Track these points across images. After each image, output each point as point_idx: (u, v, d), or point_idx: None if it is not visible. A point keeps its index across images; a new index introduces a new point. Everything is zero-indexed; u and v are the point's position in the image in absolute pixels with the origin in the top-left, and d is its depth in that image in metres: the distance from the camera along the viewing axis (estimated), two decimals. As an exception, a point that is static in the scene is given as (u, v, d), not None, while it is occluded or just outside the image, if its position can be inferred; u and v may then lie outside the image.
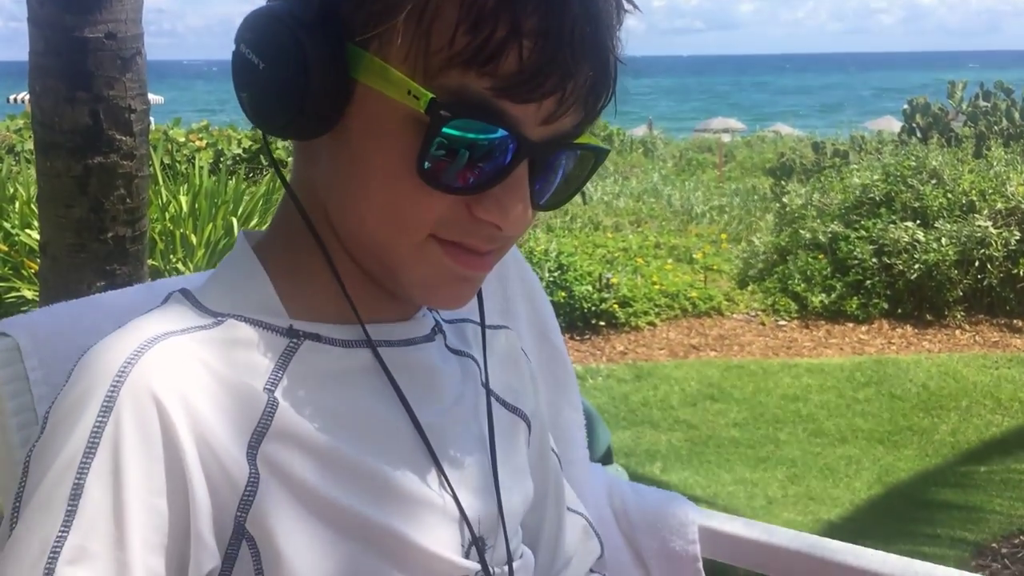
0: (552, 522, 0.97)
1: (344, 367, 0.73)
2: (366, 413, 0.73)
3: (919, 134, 10.12)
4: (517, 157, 0.66)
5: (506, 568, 0.80)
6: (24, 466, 0.64)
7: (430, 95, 0.63)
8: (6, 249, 5.71)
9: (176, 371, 0.65)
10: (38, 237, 5.59)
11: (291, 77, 0.65)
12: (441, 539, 0.73)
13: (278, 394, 0.69)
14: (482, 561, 0.74)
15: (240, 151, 11.32)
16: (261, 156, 11.06)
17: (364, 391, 0.73)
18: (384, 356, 0.74)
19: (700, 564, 1.13)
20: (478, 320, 0.88)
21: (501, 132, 0.65)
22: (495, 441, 0.82)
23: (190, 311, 0.72)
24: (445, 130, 0.64)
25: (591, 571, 1.01)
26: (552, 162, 0.70)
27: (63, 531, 0.60)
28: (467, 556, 0.76)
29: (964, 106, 10.39)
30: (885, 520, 3.78)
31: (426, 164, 0.65)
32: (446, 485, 0.74)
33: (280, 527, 0.66)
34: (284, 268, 0.74)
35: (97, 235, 2.56)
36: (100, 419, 0.62)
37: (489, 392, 0.85)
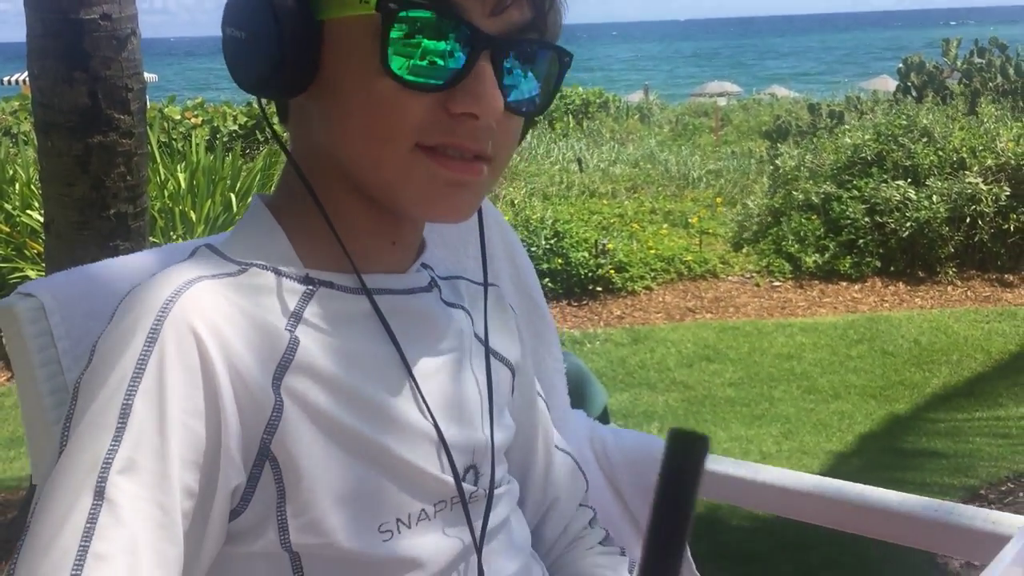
0: (540, 460, 1.05)
1: (354, 311, 0.81)
2: (370, 351, 0.81)
3: (914, 93, 10.13)
4: (475, 47, 0.73)
5: (495, 490, 0.89)
6: (73, 393, 0.72)
7: None
8: (8, 230, 5.77)
9: (212, 309, 0.73)
10: (39, 217, 5.67)
11: (268, 34, 0.74)
12: (426, 458, 0.82)
13: (298, 333, 0.77)
14: (455, 475, 0.82)
15: (236, 127, 11.35)
16: (257, 132, 11.08)
17: (369, 332, 0.81)
18: (388, 302, 0.83)
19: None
20: (470, 278, 0.98)
21: (451, 22, 0.72)
22: (491, 384, 0.91)
23: (218, 260, 0.80)
24: (399, 18, 0.72)
25: (580, 505, 1.10)
26: (517, 61, 0.77)
27: (114, 444, 0.68)
28: (464, 478, 0.85)
29: (959, 63, 10.39)
30: (876, 470, 3.88)
31: (393, 62, 0.72)
32: (427, 414, 0.82)
33: (300, 448, 0.74)
34: (296, 224, 0.82)
35: (99, 212, 2.62)
36: (146, 348, 0.70)
37: (488, 344, 0.93)
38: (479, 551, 0.84)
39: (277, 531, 0.75)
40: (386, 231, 0.84)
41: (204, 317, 0.72)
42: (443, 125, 0.75)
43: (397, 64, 0.73)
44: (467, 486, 0.85)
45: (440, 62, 0.73)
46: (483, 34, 0.73)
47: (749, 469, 1.21)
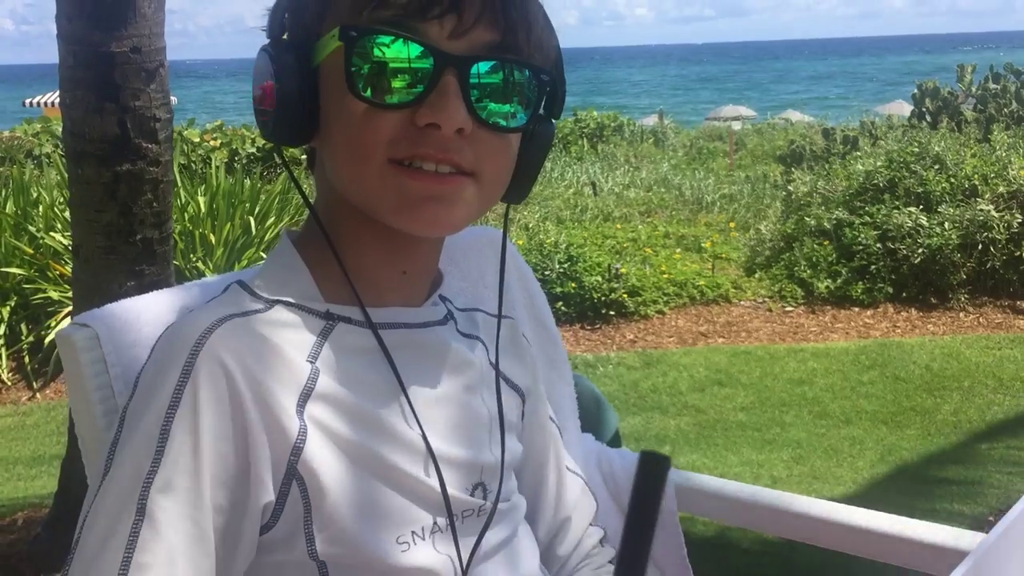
0: (552, 481, 1.12)
1: (368, 344, 0.88)
2: (380, 380, 0.88)
3: (929, 118, 10.19)
4: (436, 65, 0.80)
5: (501, 505, 0.95)
6: (119, 420, 0.80)
7: (339, 25, 0.80)
8: (31, 252, 5.87)
9: (239, 345, 0.81)
10: (63, 240, 5.76)
11: (272, 86, 0.83)
12: (433, 476, 0.88)
13: (319, 364, 0.85)
14: (443, 490, 0.88)
15: (254, 150, 11.48)
16: (275, 155, 11.22)
17: (380, 363, 0.89)
18: (401, 336, 0.90)
19: (676, 517, 1.27)
20: (487, 310, 1.06)
21: (410, 44, 0.80)
22: (502, 408, 0.97)
23: (247, 298, 0.88)
24: (358, 45, 0.80)
25: (591, 525, 1.16)
26: (488, 79, 0.83)
27: (154, 466, 0.76)
28: (472, 494, 0.92)
29: (974, 89, 10.44)
30: (886, 496, 3.90)
31: (358, 83, 0.80)
32: (422, 436, 0.89)
33: (323, 468, 0.81)
34: (318, 260, 0.90)
35: (126, 238, 2.71)
36: (182, 380, 0.78)
37: (498, 372, 1.00)
38: (463, 565, 0.89)
39: (305, 543, 0.82)
40: (395, 260, 0.91)
41: (232, 352, 0.80)
42: (411, 138, 0.81)
43: (363, 87, 0.81)
44: (476, 500, 0.92)
45: (404, 82, 0.80)
46: (444, 54, 0.80)
47: (735, 488, 1.27)
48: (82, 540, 0.75)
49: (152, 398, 0.78)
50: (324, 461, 0.82)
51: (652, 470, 0.50)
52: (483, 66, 0.82)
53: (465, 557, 0.89)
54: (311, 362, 0.85)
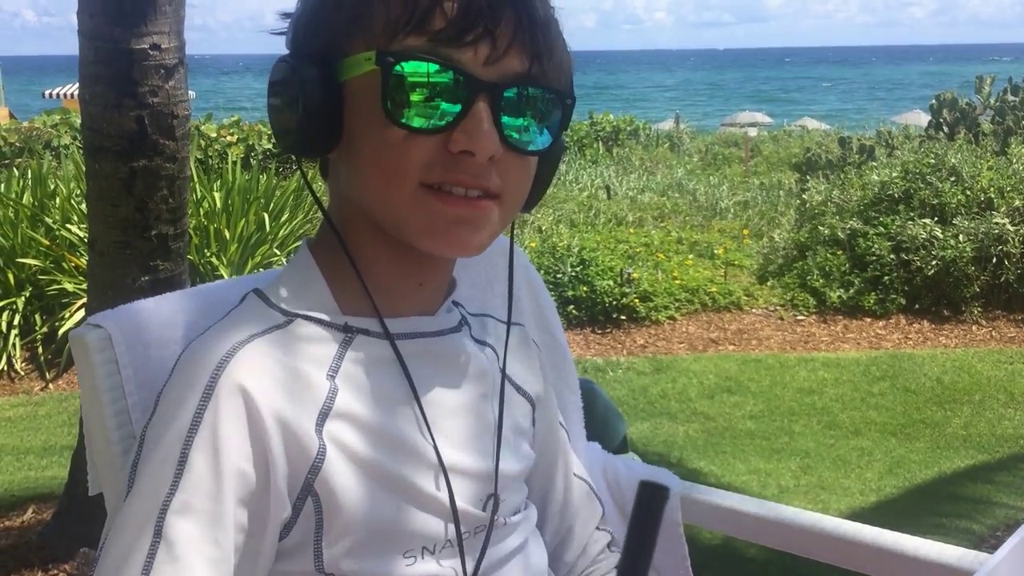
0: (560, 487, 1.13)
1: (386, 355, 0.89)
2: (397, 392, 0.89)
3: (946, 129, 10.14)
4: (470, 92, 0.81)
5: (511, 518, 0.96)
6: (139, 440, 0.81)
7: (377, 49, 0.81)
8: (47, 243, 5.91)
9: (259, 368, 0.82)
10: (79, 232, 5.79)
11: (296, 99, 0.84)
12: (445, 490, 0.89)
13: (338, 380, 0.86)
14: (451, 503, 0.89)
15: (270, 146, 11.52)
16: (295, 163, 11.23)
17: (397, 375, 0.90)
18: (418, 346, 0.91)
19: (681, 528, 1.28)
20: (497, 317, 1.07)
21: (444, 70, 0.81)
22: (503, 415, 0.98)
23: (266, 311, 0.89)
24: (395, 70, 0.81)
25: (597, 528, 1.17)
26: (516, 105, 0.84)
27: (172, 489, 0.77)
28: (484, 508, 0.93)
29: (992, 101, 10.39)
30: (893, 509, 3.89)
31: (393, 108, 0.81)
32: (434, 450, 0.89)
33: (340, 485, 0.83)
34: (334, 271, 0.91)
35: (142, 233, 2.73)
36: (202, 404, 0.79)
37: (505, 377, 1.01)
38: None
39: (313, 557, 0.83)
40: (412, 274, 0.92)
41: (253, 376, 0.81)
42: (444, 164, 0.82)
43: (399, 112, 0.81)
44: (487, 514, 0.92)
45: (439, 108, 0.81)
46: (478, 80, 0.82)
47: (739, 501, 1.28)
48: (101, 560, 0.77)
49: (172, 420, 0.79)
50: (340, 479, 0.83)
51: (650, 501, 0.51)
52: (513, 92, 0.84)
53: (471, 570, 0.90)
54: (331, 378, 0.86)
